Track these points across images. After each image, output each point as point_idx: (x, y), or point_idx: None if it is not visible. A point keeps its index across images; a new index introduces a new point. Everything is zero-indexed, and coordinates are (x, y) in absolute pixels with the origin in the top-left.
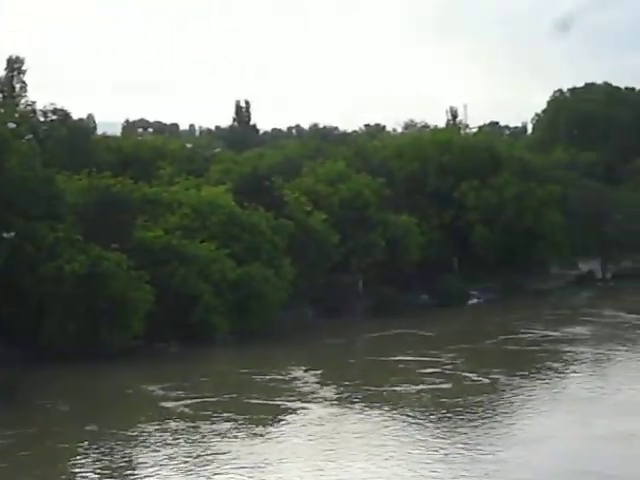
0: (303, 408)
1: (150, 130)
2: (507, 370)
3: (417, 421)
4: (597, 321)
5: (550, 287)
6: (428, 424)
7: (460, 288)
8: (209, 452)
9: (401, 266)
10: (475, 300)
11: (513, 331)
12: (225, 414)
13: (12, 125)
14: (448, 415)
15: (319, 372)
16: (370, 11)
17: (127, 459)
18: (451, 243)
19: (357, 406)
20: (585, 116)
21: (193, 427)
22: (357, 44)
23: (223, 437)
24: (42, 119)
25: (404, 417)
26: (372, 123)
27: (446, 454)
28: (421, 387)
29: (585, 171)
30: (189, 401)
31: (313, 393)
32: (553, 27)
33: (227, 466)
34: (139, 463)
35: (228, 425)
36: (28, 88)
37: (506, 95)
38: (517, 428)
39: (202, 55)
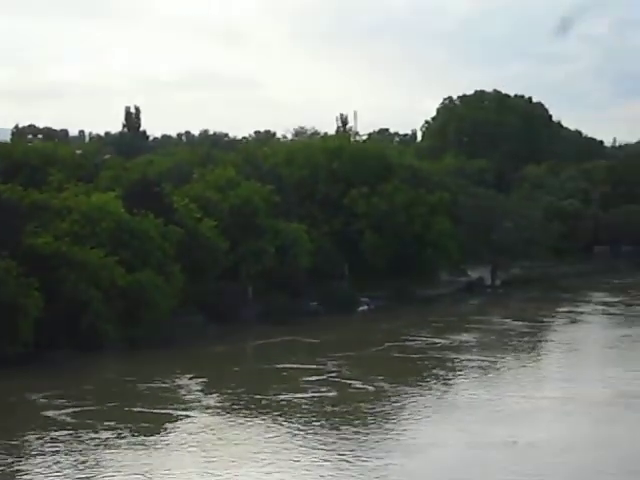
0: (187, 416)
1: (40, 136)
2: (392, 378)
3: (301, 429)
4: (484, 328)
5: (439, 294)
6: (312, 432)
7: (349, 295)
8: (92, 462)
9: (291, 273)
10: (365, 307)
11: (400, 338)
12: (108, 423)
13: None
14: (332, 423)
15: (204, 380)
16: (260, 17)
17: (7, 469)
18: (341, 250)
19: (241, 414)
20: (475, 123)
21: (75, 436)
22: (246, 51)
23: (106, 446)
24: None
25: (288, 425)
26: (262, 130)
27: (329, 462)
28: (306, 395)
29: (475, 178)
30: (72, 410)
31: (197, 401)
32: (443, 35)
33: (110, 476)
34: (19, 471)
35: (111, 434)
36: None
37: (396, 102)
38: (400, 436)
39: (92, 61)
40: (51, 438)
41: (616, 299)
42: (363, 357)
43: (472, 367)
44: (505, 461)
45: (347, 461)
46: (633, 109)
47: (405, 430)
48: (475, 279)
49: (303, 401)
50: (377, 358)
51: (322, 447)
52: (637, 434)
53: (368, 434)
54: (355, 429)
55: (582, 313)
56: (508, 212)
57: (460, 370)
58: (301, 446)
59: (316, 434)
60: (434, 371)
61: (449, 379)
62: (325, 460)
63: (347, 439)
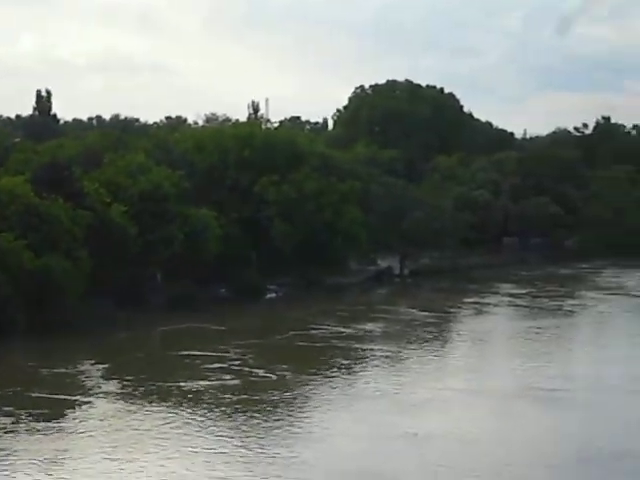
0: (88, 403)
1: None
2: (295, 367)
3: (202, 417)
4: (390, 318)
5: (348, 283)
6: (210, 421)
7: (258, 282)
8: None
9: (200, 259)
10: (273, 294)
11: (306, 327)
12: (7, 408)
13: None
14: (233, 412)
15: (107, 366)
16: (175, 2)
17: None
18: (250, 237)
19: (143, 401)
20: (386, 113)
21: None
22: (160, 36)
23: (7, 432)
24: None
25: (189, 413)
26: (173, 115)
27: (228, 451)
28: (208, 383)
29: (386, 167)
30: None
31: (99, 388)
32: (358, 24)
33: (12, 462)
34: None
35: (10, 420)
36: None
37: (308, 90)
38: (301, 426)
39: (3, 43)
40: None
41: (523, 291)
42: (267, 345)
43: (376, 357)
44: (404, 452)
45: (247, 450)
46: (544, 101)
47: (306, 420)
48: (384, 268)
49: (206, 389)
50: (281, 347)
51: (222, 435)
52: (538, 426)
53: (269, 423)
54: (256, 418)
55: (489, 304)
56: (418, 202)
57: (364, 360)
58: (202, 434)
59: (217, 422)
60: (338, 361)
61: (352, 369)
62: (225, 448)
63: (248, 428)
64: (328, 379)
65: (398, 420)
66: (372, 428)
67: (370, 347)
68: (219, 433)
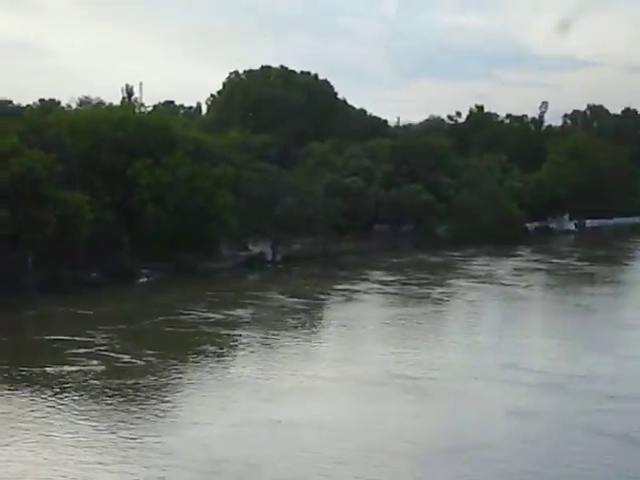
0: None
1: None
2: (162, 352)
3: (65, 403)
4: (260, 304)
5: (220, 268)
6: (75, 407)
7: (130, 266)
8: None
9: (72, 243)
10: (144, 279)
11: (175, 312)
12: None
13: None
14: (97, 398)
15: None
16: None
17: None
18: (124, 221)
19: (4, 387)
20: (260, 98)
21: None
22: (34, 17)
23: None
24: None
25: (52, 399)
26: (47, 98)
27: (90, 438)
28: (73, 368)
29: (259, 153)
30: None
31: None
32: (234, 8)
33: None
34: None
35: None
36: None
37: (182, 75)
38: (165, 413)
39: None
40: None
41: (393, 278)
42: (136, 330)
43: (244, 344)
44: (269, 440)
45: (109, 437)
46: (417, 89)
47: (172, 406)
48: (256, 254)
49: (71, 374)
50: (149, 332)
51: (85, 422)
52: (403, 415)
53: (134, 410)
54: (121, 404)
55: (358, 291)
56: (291, 188)
57: (232, 346)
58: (66, 420)
59: (82, 408)
60: (205, 347)
61: (220, 355)
62: (89, 434)
63: (113, 414)
64: (195, 365)
65: (264, 407)
66: (238, 415)
67: (239, 333)
68: (84, 419)
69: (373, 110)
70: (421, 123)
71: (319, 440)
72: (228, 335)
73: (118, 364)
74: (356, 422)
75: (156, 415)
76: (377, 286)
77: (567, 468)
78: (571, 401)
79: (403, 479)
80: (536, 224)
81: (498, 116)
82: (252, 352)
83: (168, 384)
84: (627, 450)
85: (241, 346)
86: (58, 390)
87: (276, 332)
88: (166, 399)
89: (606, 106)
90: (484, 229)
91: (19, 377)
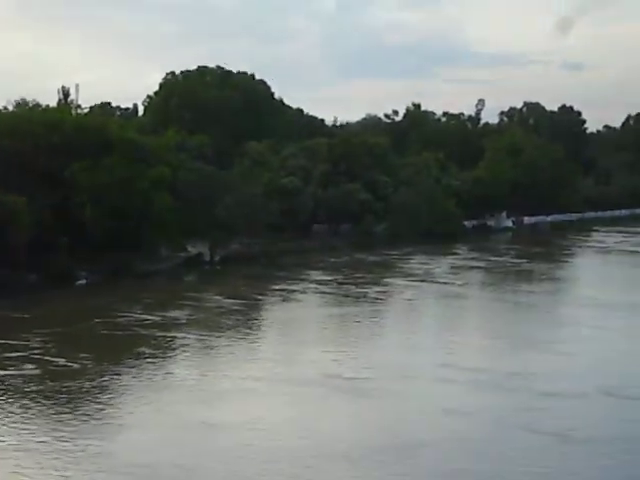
0: None
1: None
2: (98, 355)
3: None
4: (197, 306)
5: (158, 269)
6: (8, 410)
7: (67, 269)
8: None
9: (9, 245)
10: (83, 281)
11: (112, 314)
12: None
13: None
14: (31, 402)
15: None
16: None
17: None
18: (62, 223)
19: None
20: (197, 99)
21: None
22: None
23: None
24: None
25: None
26: None
27: (22, 442)
28: (6, 372)
29: (196, 154)
30: None
31: None
32: (171, 9)
33: None
34: None
35: None
36: None
37: (119, 76)
38: (102, 417)
39: None
40: None
41: (330, 277)
42: (71, 333)
43: (179, 346)
44: (201, 443)
45: (43, 441)
46: (355, 88)
47: (107, 410)
48: (194, 255)
49: (4, 379)
50: (85, 335)
51: (18, 426)
52: (338, 415)
53: (68, 414)
54: (54, 408)
55: (295, 291)
56: (228, 188)
57: (168, 349)
58: None
59: (14, 413)
60: (141, 349)
61: (156, 358)
62: (19, 439)
63: (45, 418)
64: (131, 368)
65: (199, 410)
66: (172, 418)
67: (174, 335)
68: (16, 423)
69: (310, 110)
70: (358, 122)
71: (253, 442)
72: (164, 337)
73: (53, 367)
74: (291, 423)
75: (91, 419)
76: (314, 286)
77: (502, 466)
78: (507, 399)
79: None
80: (474, 222)
81: (435, 114)
82: (187, 354)
83: (103, 387)
84: (562, 448)
85: (176, 348)
86: None
87: (212, 333)
88: (101, 402)
89: (542, 103)
90: (422, 228)
91: None
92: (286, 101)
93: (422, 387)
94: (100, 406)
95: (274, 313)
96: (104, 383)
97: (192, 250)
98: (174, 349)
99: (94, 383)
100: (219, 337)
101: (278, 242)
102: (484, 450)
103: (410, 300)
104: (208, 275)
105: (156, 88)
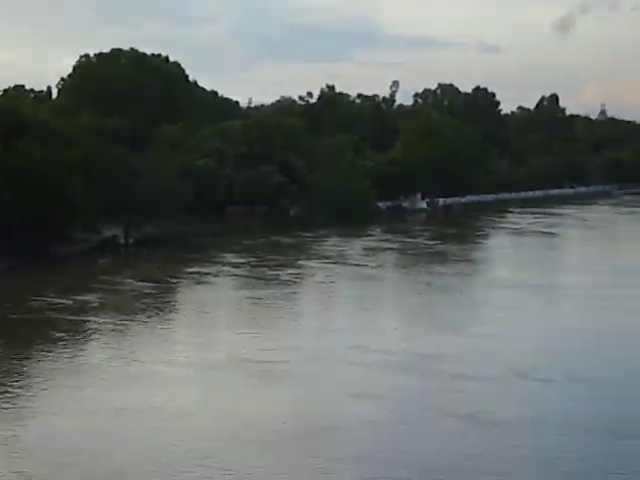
0: None
1: None
2: (9, 341)
3: None
4: (110, 289)
5: (72, 252)
6: None
7: None
8: None
9: None
10: None
11: (23, 298)
12: None
13: None
14: None
15: None
16: None
17: None
18: None
19: None
20: (111, 82)
21: None
22: None
23: None
24: None
25: None
26: None
27: None
28: None
29: (111, 136)
30: None
31: None
32: None
33: None
34: None
35: None
36: None
37: (32, 59)
38: (13, 404)
39: None
40: None
41: (244, 260)
42: None
43: (91, 330)
44: (113, 428)
45: None
46: (271, 71)
47: (16, 397)
48: (109, 237)
49: None
50: None
51: None
52: (250, 398)
53: None
54: None
55: (209, 274)
56: (143, 171)
57: (78, 333)
58: None
59: None
60: (52, 334)
61: (66, 342)
62: None
63: None
64: (42, 353)
65: (110, 395)
66: (84, 404)
67: (88, 319)
68: None
69: (225, 92)
70: (273, 104)
71: (165, 426)
72: (76, 321)
73: None
74: (202, 408)
75: (1, 405)
76: (228, 269)
77: (414, 449)
78: (420, 381)
79: (247, 465)
80: (389, 203)
81: (350, 96)
82: (99, 338)
83: (14, 373)
84: (474, 430)
85: (88, 332)
86: None
87: (124, 317)
88: (11, 389)
89: (457, 85)
90: (337, 209)
91: None
92: (200, 83)
93: (334, 370)
94: (11, 393)
95: (187, 296)
96: (15, 369)
97: (107, 233)
98: (87, 333)
99: (4, 369)
100: (132, 321)
101: (193, 224)
102: (396, 433)
103: (323, 282)
104: (122, 258)
105: (70, 71)
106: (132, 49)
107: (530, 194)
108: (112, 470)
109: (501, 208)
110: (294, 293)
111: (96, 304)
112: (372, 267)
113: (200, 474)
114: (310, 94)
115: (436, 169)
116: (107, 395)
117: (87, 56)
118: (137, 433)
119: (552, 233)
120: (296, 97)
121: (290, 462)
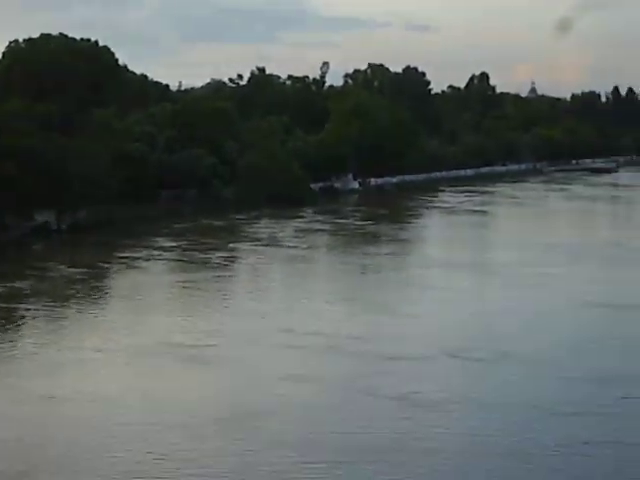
0: None
1: None
2: None
3: None
4: (40, 275)
5: (3, 239)
6: None
7: None
8: None
9: None
10: None
11: None
12: None
13: None
14: None
15: None
16: None
17: None
18: None
19: None
20: (41, 67)
21: None
22: None
23: None
24: None
25: None
26: None
27: None
28: None
29: (41, 122)
30: None
31: None
32: None
33: None
34: None
35: None
36: None
37: None
38: None
39: None
40: None
41: (175, 244)
42: None
43: (21, 317)
44: (43, 417)
45: None
46: (198, 54)
47: None
48: (41, 223)
49: None
50: None
51: None
52: (179, 384)
53: None
54: None
55: (140, 259)
56: (74, 156)
57: (9, 320)
58: None
59: None
60: None
61: None
62: None
63: None
64: None
65: (40, 383)
66: (14, 392)
67: (17, 306)
68: None
69: (156, 76)
70: (203, 87)
71: (93, 414)
72: (5, 308)
73: None
74: (131, 394)
75: None
76: (159, 253)
77: (344, 431)
78: (350, 364)
79: (178, 452)
80: (321, 184)
81: (280, 78)
82: (30, 325)
83: None
84: (407, 412)
85: (19, 319)
86: None
87: (55, 304)
88: None
89: (387, 65)
90: (269, 191)
91: None
92: (130, 67)
93: (265, 353)
94: None
95: (118, 281)
96: None
97: (39, 219)
98: (16, 320)
99: None
100: (62, 307)
101: (125, 209)
102: (327, 417)
103: (254, 265)
104: (54, 244)
105: None
106: (61, 34)
107: (462, 172)
108: (41, 459)
109: (433, 187)
110: (225, 276)
111: (27, 291)
112: (304, 249)
113: (126, 458)
114: (240, 76)
115: (367, 149)
116: (36, 383)
117: (16, 42)
118: (65, 422)
119: (483, 211)
120: (226, 79)
121: (217, 445)
